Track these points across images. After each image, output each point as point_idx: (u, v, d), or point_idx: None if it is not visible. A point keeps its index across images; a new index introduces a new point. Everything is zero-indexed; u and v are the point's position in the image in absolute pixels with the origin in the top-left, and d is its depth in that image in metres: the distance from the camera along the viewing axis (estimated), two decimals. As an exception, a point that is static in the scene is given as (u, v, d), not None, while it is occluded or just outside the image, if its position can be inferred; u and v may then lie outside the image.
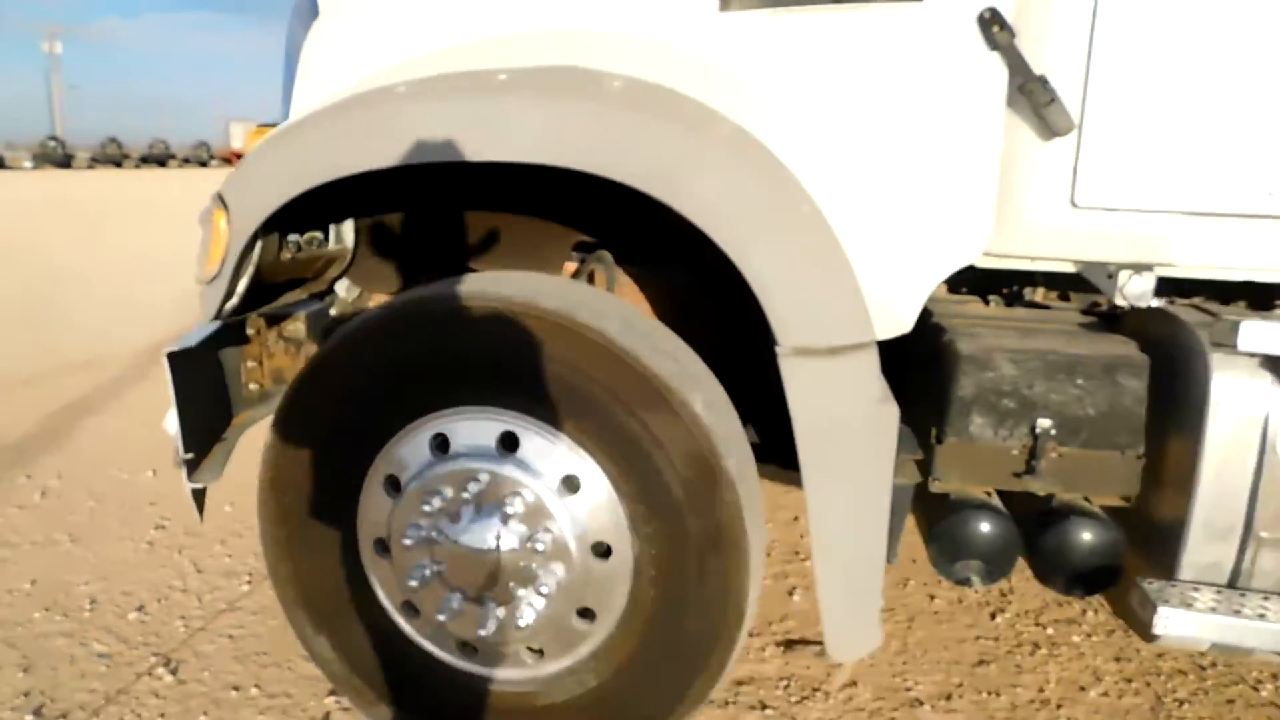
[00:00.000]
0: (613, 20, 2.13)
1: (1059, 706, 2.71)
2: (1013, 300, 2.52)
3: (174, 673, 2.79)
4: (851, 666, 2.91)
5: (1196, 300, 2.29)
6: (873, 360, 2.02)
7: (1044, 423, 2.09)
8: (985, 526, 2.20)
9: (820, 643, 2.98)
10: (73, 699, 2.66)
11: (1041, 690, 2.79)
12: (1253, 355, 1.96)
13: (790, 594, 3.31)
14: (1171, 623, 1.96)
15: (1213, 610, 1.96)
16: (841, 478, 2.04)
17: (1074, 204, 2.05)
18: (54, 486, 4.27)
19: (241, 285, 2.29)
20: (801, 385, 1.98)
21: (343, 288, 2.83)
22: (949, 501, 2.25)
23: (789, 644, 3.00)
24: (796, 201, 1.97)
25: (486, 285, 2.08)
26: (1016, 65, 1.95)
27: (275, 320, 2.60)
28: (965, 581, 2.25)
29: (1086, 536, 2.16)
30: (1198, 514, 2.00)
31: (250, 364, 2.61)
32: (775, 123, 2.04)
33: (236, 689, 2.72)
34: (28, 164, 47.54)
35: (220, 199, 2.24)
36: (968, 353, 2.12)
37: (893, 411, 2.03)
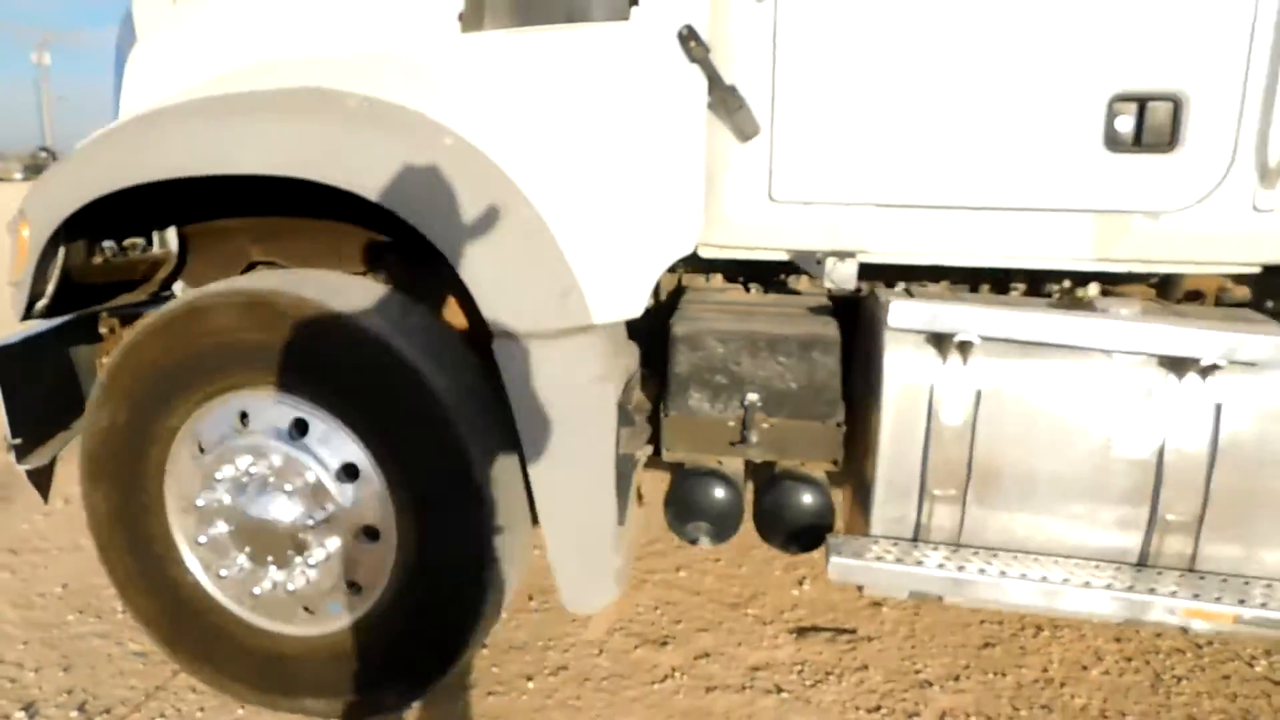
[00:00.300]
0: (371, 44, 2.40)
1: (1063, 685, 2.82)
2: (771, 287, 2.69)
3: (209, 669, 2.89)
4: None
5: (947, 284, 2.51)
6: (591, 342, 2.25)
7: (752, 397, 2.31)
8: (711, 491, 2.41)
9: (833, 629, 3.11)
10: (113, 695, 2.76)
11: (1045, 670, 2.90)
12: (919, 332, 2.14)
13: (800, 583, 3.42)
14: (843, 570, 2.17)
15: (879, 559, 2.16)
16: (560, 450, 2.29)
17: (772, 199, 2.26)
18: (76, 493, 4.30)
19: (49, 287, 2.54)
20: (515, 367, 2.24)
21: (179, 288, 3.03)
22: (683, 469, 2.47)
23: (800, 631, 3.11)
24: (510, 204, 2.21)
25: (238, 283, 2.43)
26: (711, 76, 2.17)
27: (129, 320, 2.85)
28: (695, 541, 2.46)
29: (797, 499, 2.38)
30: (881, 475, 2.20)
31: (105, 360, 2.84)
32: (504, 133, 2.27)
33: (270, 683, 2.82)
34: (18, 175, 47.34)
35: (22, 210, 2.51)
36: (682, 335, 2.35)
37: (608, 389, 2.25)
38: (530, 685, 2.82)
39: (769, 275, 2.67)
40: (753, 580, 3.46)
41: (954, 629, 3.12)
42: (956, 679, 2.85)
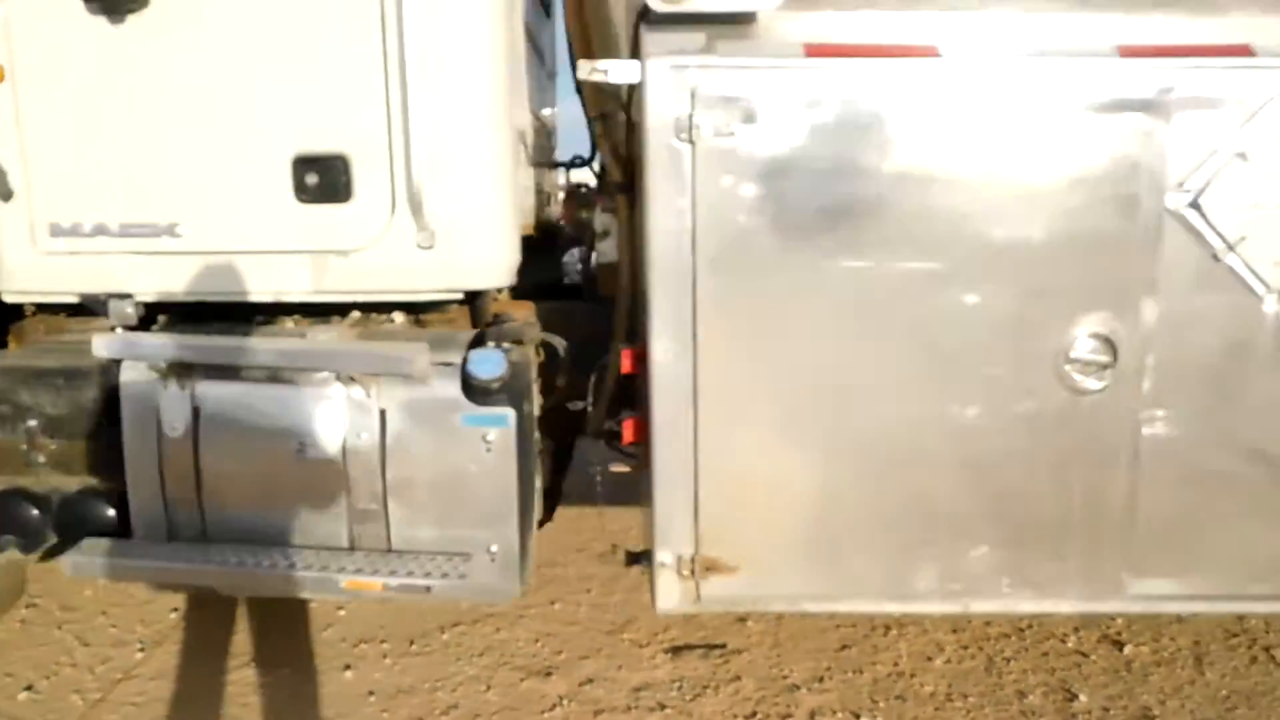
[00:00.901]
0: None
1: (913, 676, 3.14)
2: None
3: (81, 746, 2.79)
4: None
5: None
6: None
7: (32, 423, 2.61)
8: (14, 508, 2.63)
9: (705, 645, 3.32)
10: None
11: (896, 664, 3.21)
12: (146, 360, 2.51)
13: (670, 606, 3.62)
14: (76, 567, 2.52)
15: (104, 556, 2.52)
16: None
17: (40, 251, 2.59)
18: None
19: None
20: None
21: None
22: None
23: (675, 650, 3.30)
24: None
25: None
26: None
27: None
28: (3, 550, 2.68)
29: (85, 512, 2.63)
30: (130, 486, 2.55)
31: None
32: None
33: (151, 753, 2.75)
34: None
35: None
36: None
37: None
38: (423, 727, 2.88)
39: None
40: (625, 607, 3.63)
41: (813, 635, 3.39)
42: (820, 680, 3.12)
